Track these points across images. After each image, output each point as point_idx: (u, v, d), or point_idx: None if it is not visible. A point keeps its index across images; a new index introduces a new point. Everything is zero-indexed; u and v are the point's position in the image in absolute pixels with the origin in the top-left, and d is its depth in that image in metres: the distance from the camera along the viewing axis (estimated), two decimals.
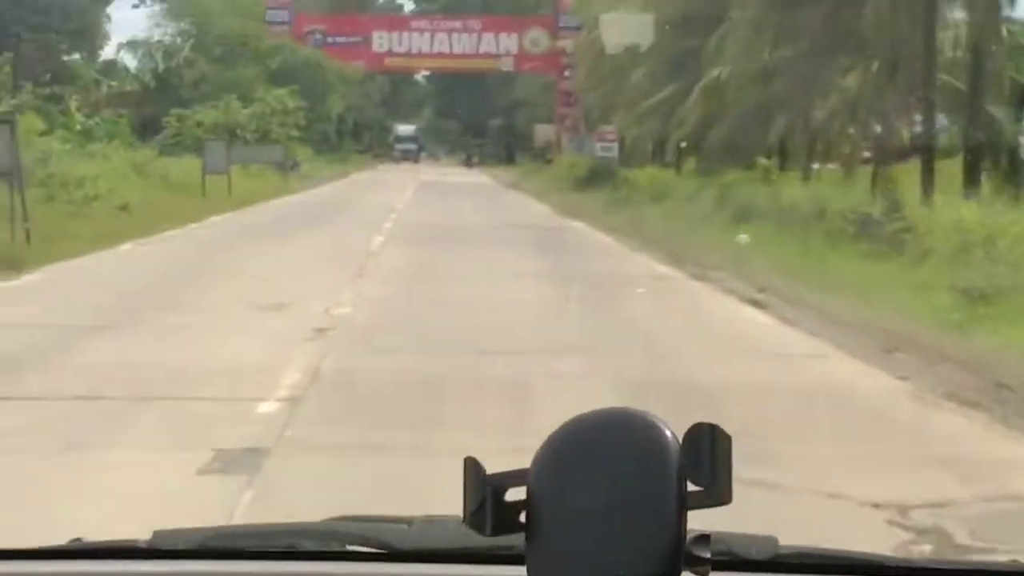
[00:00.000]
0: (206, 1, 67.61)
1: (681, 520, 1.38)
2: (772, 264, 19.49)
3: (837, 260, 19.27)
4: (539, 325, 13.23)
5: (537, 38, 79.61)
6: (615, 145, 67.56)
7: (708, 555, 1.39)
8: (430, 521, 2.10)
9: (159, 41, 64.06)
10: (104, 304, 13.94)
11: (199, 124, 59.00)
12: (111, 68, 68.51)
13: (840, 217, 22.57)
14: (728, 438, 1.39)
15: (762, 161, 33.55)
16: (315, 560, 2.07)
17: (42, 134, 60.88)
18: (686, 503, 1.38)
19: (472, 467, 1.40)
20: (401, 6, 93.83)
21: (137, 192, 30.58)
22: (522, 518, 1.40)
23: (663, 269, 20.44)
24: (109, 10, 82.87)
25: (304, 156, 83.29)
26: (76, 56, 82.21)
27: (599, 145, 68.90)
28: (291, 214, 33.76)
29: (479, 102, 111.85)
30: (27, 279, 16.34)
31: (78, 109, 64.67)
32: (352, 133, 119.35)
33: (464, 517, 1.40)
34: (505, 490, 1.40)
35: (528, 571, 1.39)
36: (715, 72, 39.98)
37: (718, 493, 1.38)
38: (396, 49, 78.74)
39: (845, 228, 21.99)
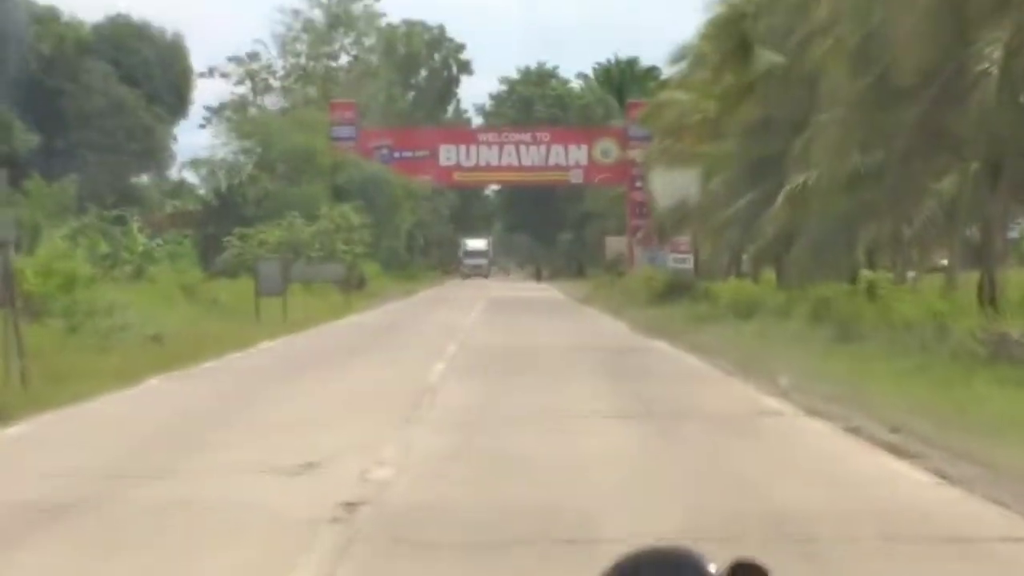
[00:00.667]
0: (270, 119, 65.65)
1: None
2: (896, 395, 16.29)
3: (976, 390, 16.01)
4: (632, 494, 10.12)
5: (607, 149, 77.05)
6: (690, 256, 64.73)
7: None
8: None
9: (223, 159, 62.02)
10: (76, 471, 10.94)
11: (262, 243, 56.64)
12: (177, 188, 66.60)
13: (968, 336, 19.33)
14: (765, 573, 1.52)
15: (866, 273, 30.33)
16: None
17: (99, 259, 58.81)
18: None
19: None
20: (469, 120, 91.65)
21: (179, 319, 27.82)
22: None
23: (768, 401, 17.26)
24: (176, 131, 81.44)
25: (372, 273, 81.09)
26: (144, 177, 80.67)
27: (672, 257, 66.05)
28: (348, 339, 30.93)
29: (549, 215, 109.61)
30: (6, 433, 13.44)
31: (140, 230, 62.65)
32: (422, 249, 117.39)
33: None
34: None
35: None
36: (800, 178, 36.96)
37: None
38: (464, 163, 76.39)
39: (976, 349, 18.75)
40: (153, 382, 19.06)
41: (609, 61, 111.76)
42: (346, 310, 43.59)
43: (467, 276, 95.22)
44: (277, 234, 56.84)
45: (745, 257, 48.41)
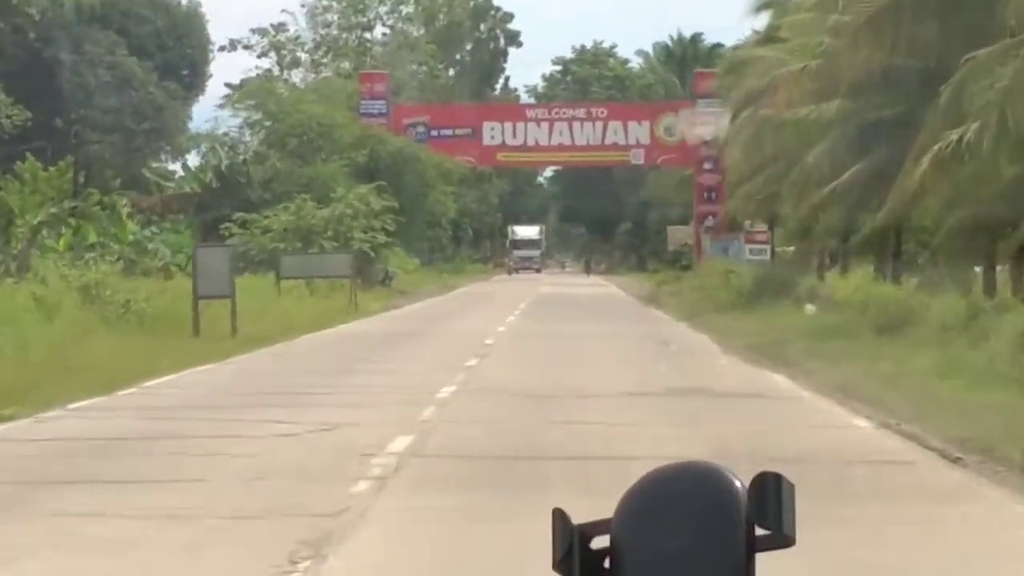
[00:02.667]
0: (284, 89, 55.72)
1: (750, 562, 1.47)
2: None
3: None
4: None
5: (671, 126, 66.25)
6: (767, 248, 54.39)
7: None
8: None
9: (224, 133, 51.76)
10: None
11: (266, 231, 46.49)
12: (170, 170, 56.75)
13: None
14: (791, 485, 1.48)
15: None
16: None
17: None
18: (755, 546, 1.48)
19: (559, 517, 1.49)
20: (518, 96, 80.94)
21: (44, 338, 17.54)
22: (607, 564, 1.48)
23: None
24: (195, 110, 71.47)
25: (407, 266, 70.74)
26: (161, 161, 70.79)
27: (748, 248, 55.70)
28: (310, 361, 20.60)
29: (607, 202, 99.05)
30: None
31: (130, 216, 52.65)
32: (470, 241, 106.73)
33: (553, 564, 1.48)
34: (591, 538, 1.49)
35: None
36: (954, 135, 26.20)
37: (783, 536, 1.48)
38: (510, 142, 65.82)
39: None
40: None
41: (671, 38, 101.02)
42: (348, 314, 33.28)
43: (515, 270, 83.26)
44: (283, 219, 46.66)
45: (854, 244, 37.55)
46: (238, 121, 53.21)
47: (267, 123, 52.33)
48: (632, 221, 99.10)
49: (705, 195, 65.48)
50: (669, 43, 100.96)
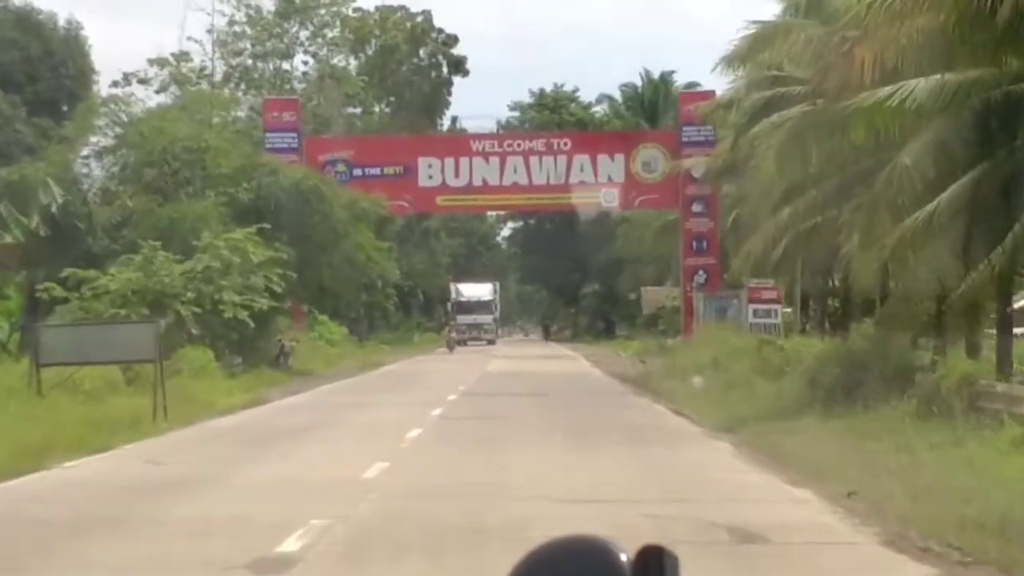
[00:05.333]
0: (151, 114, 41.38)
1: None
2: None
3: None
4: None
5: (651, 160, 52.06)
6: (778, 308, 41.17)
7: None
8: None
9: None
10: None
11: (102, 293, 32.03)
12: None
13: None
14: (675, 558, 1.46)
15: None
16: None
17: None
18: None
19: None
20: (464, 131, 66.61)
21: None
22: None
23: None
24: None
25: (334, 334, 56.73)
26: None
27: (752, 309, 42.30)
28: None
29: (571, 261, 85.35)
30: None
31: None
32: (424, 306, 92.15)
33: None
34: None
35: None
36: None
37: None
38: (452, 182, 51.49)
39: None
40: None
41: (641, 76, 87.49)
42: (144, 428, 18.73)
43: (461, 342, 64.78)
44: (126, 277, 32.16)
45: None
46: (86, 151, 38.68)
47: (121, 151, 37.85)
48: (599, 282, 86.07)
49: (694, 244, 51.31)
50: (639, 83, 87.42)
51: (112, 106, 39.66)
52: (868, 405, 16.72)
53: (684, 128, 50.82)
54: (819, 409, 17.54)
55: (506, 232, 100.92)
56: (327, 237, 37.99)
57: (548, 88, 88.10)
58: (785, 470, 13.44)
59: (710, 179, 48.17)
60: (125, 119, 38.31)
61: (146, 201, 35.98)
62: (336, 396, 28.52)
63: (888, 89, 20.09)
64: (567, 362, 48.19)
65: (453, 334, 61.69)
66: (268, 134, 49.35)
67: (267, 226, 33.73)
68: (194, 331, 31.21)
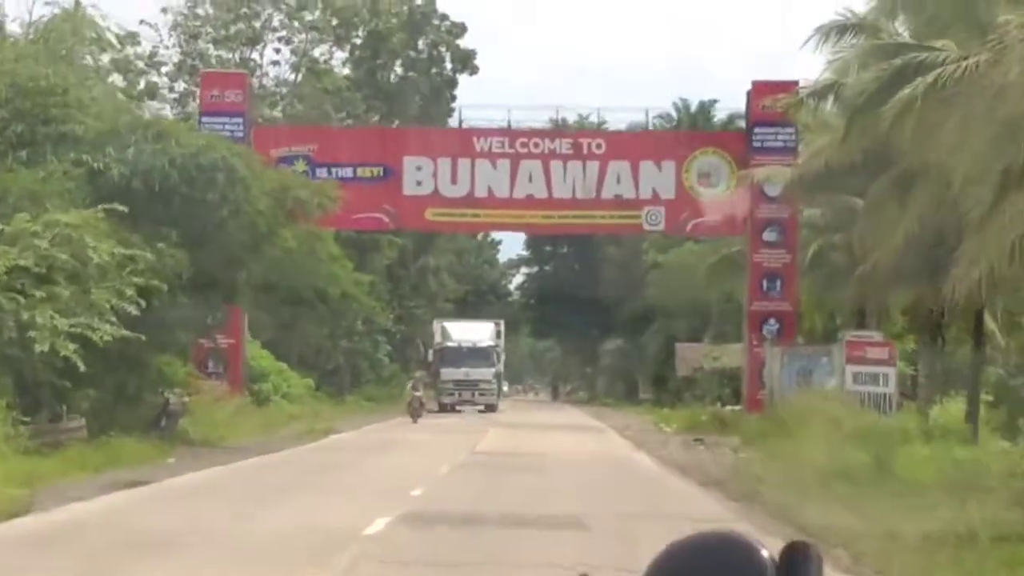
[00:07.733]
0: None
1: None
2: None
3: None
4: None
5: (712, 170, 38.47)
6: (892, 371, 30.62)
7: None
8: None
9: None
10: None
11: None
12: None
13: None
14: (820, 556, 1.40)
15: None
16: None
17: None
18: None
19: None
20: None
21: None
22: None
23: None
24: None
25: (297, 387, 44.28)
26: None
27: (852, 373, 31.07)
28: None
29: (590, 313, 72.79)
30: None
31: None
32: (423, 357, 78.97)
33: None
34: None
35: None
36: None
37: None
38: (447, 191, 37.90)
39: None
40: None
41: (676, 106, 74.50)
42: None
43: (448, 405, 48.38)
44: None
45: None
46: None
47: None
48: (624, 337, 73.74)
49: (764, 284, 37.59)
50: (674, 113, 74.23)
51: None
52: None
53: (755, 129, 37.44)
54: None
55: (519, 279, 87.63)
56: (242, 238, 24.39)
57: (571, 119, 75.38)
58: None
59: (791, 196, 35.13)
60: None
61: None
62: (162, 508, 14.94)
63: None
64: (592, 437, 34.38)
65: (418, 392, 41.19)
66: (204, 119, 36.07)
67: (121, 207, 20.18)
68: None
